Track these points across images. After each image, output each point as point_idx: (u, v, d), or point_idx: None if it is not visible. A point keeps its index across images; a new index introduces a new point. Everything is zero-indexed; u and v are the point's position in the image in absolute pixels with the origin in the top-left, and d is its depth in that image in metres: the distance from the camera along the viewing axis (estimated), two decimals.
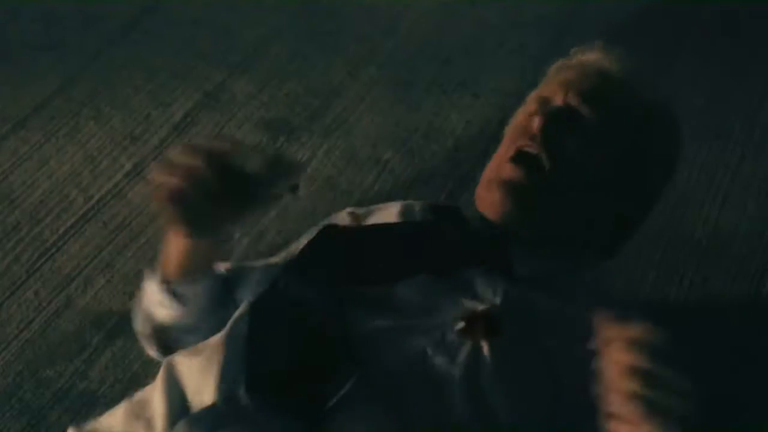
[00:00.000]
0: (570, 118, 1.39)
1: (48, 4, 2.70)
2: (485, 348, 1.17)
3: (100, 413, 1.68)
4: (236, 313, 1.30)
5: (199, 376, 1.17)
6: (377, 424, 1.10)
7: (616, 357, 0.96)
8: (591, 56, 1.55)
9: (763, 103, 2.31)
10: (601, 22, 2.57)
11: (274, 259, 1.57)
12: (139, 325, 1.53)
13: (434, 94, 2.39)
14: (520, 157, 1.36)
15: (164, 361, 1.26)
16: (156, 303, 1.46)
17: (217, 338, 1.26)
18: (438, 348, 1.17)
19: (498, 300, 1.25)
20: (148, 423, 1.15)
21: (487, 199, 1.39)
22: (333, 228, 1.42)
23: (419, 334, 1.19)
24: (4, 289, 1.92)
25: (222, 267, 1.55)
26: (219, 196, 1.21)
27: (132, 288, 1.89)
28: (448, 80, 2.43)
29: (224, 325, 1.41)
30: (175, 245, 1.38)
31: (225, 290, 1.48)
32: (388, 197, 2.08)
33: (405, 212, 1.50)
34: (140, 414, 1.17)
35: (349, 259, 1.32)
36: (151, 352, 1.56)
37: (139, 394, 1.24)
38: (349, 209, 1.57)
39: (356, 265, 1.30)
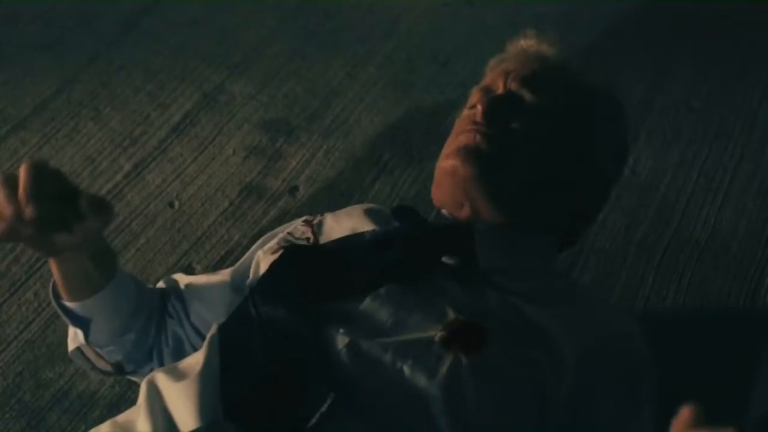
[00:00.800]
0: (512, 103, 1.38)
1: (47, 5, 2.70)
2: (466, 361, 1.13)
3: (99, 415, 1.70)
4: (209, 335, 1.30)
5: (179, 398, 1.16)
6: None
7: None
8: (527, 43, 1.54)
9: (762, 103, 2.32)
10: (599, 22, 2.57)
11: (220, 275, 1.58)
12: (70, 352, 1.54)
13: (433, 94, 2.39)
14: (464, 149, 1.35)
15: (145, 379, 1.25)
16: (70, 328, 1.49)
17: (194, 358, 1.26)
18: (416, 364, 1.13)
19: (476, 307, 1.22)
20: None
21: (441, 191, 1.39)
22: (295, 247, 1.41)
23: (394, 350, 1.15)
24: (3, 290, 1.92)
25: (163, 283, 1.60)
26: (38, 222, 1.21)
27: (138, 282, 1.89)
28: (447, 81, 2.43)
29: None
30: (53, 269, 1.39)
31: (139, 289, 1.51)
32: (388, 197, 2.09)
33: (363, 218, 1.48)
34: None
35: (313, 277, 1.29)
36: (99, 373, 1.59)
37: (123, 416, 1.23)
38: (303, 218, 1.55)
39: (321, 282, 1.28)
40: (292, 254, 1.34)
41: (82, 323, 1.45)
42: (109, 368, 1.55)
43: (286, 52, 2.55)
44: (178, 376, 1.21)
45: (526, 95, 1.39)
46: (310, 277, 1.28)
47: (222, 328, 1.23)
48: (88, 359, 1.54)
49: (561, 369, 1.16)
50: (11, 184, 1.20)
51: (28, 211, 1.18)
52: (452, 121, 2.20)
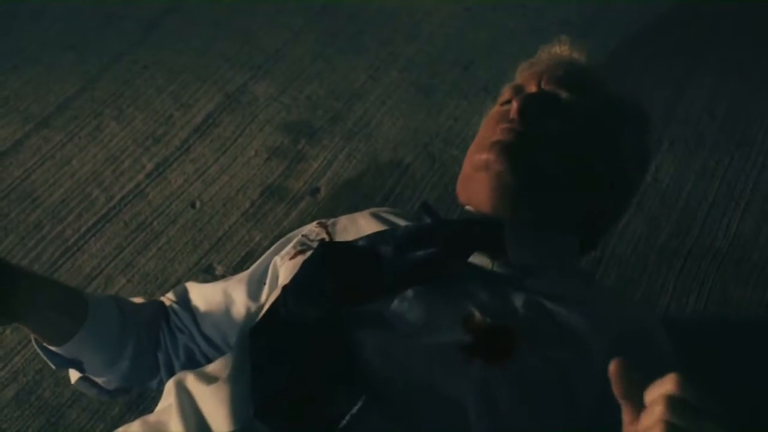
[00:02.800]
0: (546, 101, 1.41)
1: (71, 5, 2.72)
2: (494, 365, 1.14)
3: (118, 413, 1.71)
4: (236, 339, 1.30)
5: (210, 401, 1.16)
6: None
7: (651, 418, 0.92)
8: (560, 49, 1.57)
9: None
10: (621, 28, 2.57)
11: (234, 281, 1.58)
12: (74, 383, 1.56)
13: (455, 98, 2.39)
14: (499, 144, 1.36)
15: (173, 380, 1.25)
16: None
17: (222, 362, 1.26)
18: (446, 366, 1.14)
19: (503, 309, 1.23)
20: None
21: (470, 186, 1.40)
22: (327, 245, 1.39)
23: (424, 353, 1.16)
24: None
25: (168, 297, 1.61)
26: None
27: (152, 288, 1.90)
28: (469, 85, 2.43)
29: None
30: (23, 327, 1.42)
31: (122, 310, 1.51)
32: (409, 201, 2.09)
33: (376, 220, 1.49)
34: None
35: (345, 276, 1.29)
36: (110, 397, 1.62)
37: (154, 416, 1.23)
38: (317, 221, 1.55)
39: (353, 281, 1.28)
40: (324, 252, 1.33)
41: (73, 364, 1.47)
42: (113, 394, 1.57)
43: (309, 54, 2.55)
44: (208, 379, 1.21)
45: (561, 94, 1.42)
46: (342, 276, 1.28)
47: (254, 331, 1.23)
48: (95, 385, 1.55)
49: (590, 369, 1.16)
50: None
51: None
52: (474, 125, 2.21)
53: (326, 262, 1.31)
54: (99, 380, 1.53)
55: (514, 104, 1.38)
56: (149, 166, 2.21)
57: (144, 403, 1.73)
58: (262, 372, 1.16)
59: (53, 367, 1.46)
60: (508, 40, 2.56)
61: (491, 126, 1.42)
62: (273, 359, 1.18)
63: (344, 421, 1.07)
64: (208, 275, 1.94)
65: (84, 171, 2.19)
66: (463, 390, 1.12)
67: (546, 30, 2.57)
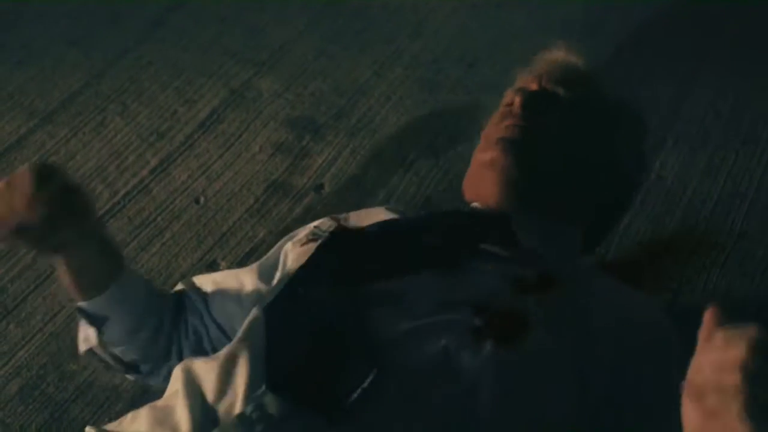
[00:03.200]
0: (547, 97, 1.49)
1: (76, 1, 2.72)
2: (505, 348, 1.16)
3: (122, 408, 1.71)
4: (249, 318, 1.31)
5: (219, 382, 1.17)
6: (404, 421, 1.10)
7: (720, 353, 0.92)
8: (557, 52, 1.63)
9: None
10: (626, 26, 2.56)
11: (246, 269, 1.60)
12: (82, 353, 1.57)
13: (459, 95, 2.39)
14: (503, 140, 1.44)
15: (180, 366, 1.26)
16: (82, 325, 1.51)
17: (232, 345, 1.26)
18: (460, 344, 1.16)
19: (515, 293, 1.25)
20: (174, 430, 1.14)
21: (477, 183, 1.48)
22: (340, 230, 1.45)
23: (438, 331, 1.17)
24: (29, 282, 1.93)
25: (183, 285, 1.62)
26: (46, 217, 1.26)
27: (156, 283, 1.90)
28: (473, 82, 2.43)
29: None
30: (60, 270, 1.42)
31: (149, 289, 1.55)
32: (413, 198, 2.09)
33: (386, 215, 1.53)
34: (164, 421, 1.17)
35: (357, 258, 1.34)
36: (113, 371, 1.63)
37: (161, 401, 1.24)
38: (330, 216, 1.58)
39: (365, 263, 1.32)
40: (337, 236, 1.39)
41: (97, 322, 1.48)
42: (122, 368, 1.57)
43: (314, 50, 2.55)
44: (215, 362, 1.22)
45: (560, 91, 1.49)
46: (355, 258, 1.33)
47: (268, 308, 1.25)
48: (101, 358, 1.56)
49: (601, 355, 1.18)
50: (14, 186, 1.25)
51: (35, 207, 1.23)
52: (478, 122, 2.20)
53: (339, 244, 1.37)
54: (115, 351, 1.53)
55: (517, 100, 1.46)
56: (153, 162, 2.21)
57: (148, 398, 1.72)
58: (277, 346, 1.18)
59: (84, 320, 1.48)
60: (513, 38, 2.56)
61: (495, 124, 1.49)
62: (287, 334, 1.20)
63: (355, 395, 1.08)
64: (212, 271, 1.94)
65: (88, 166, 2.19)
66: (473, 370, 1.13)
67: (551, 28, 2.57)
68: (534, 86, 1.52)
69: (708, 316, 0.93)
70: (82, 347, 1.54)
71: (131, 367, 1.57)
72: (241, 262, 1.96)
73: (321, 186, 2.14)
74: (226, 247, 2.01)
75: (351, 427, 1.07)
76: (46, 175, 1.27)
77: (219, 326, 1.56)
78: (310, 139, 2.26)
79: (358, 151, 2.22)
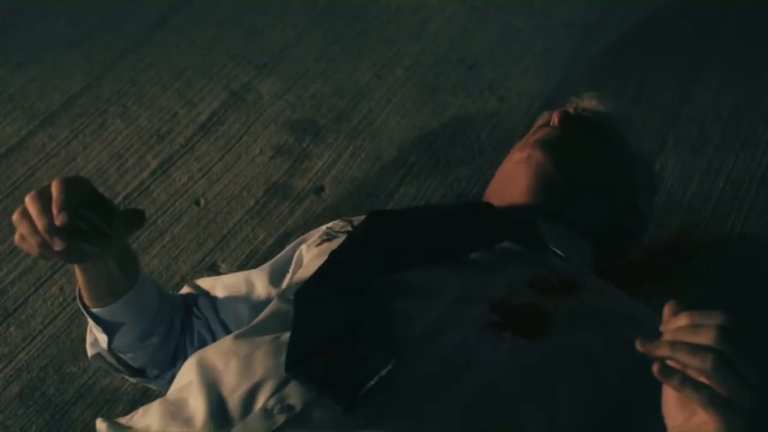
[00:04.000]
0: (581, 118, 1.64)
1: (76, 3, 2.72)
2: (524, 343, 1.18)
3: (123, 409, 1.71)
4: (269, 308, 1.32)
5: (236, 374, 1.16)
6: (418, 412, 1.10)
7: (688, 338, 0.95)
8: (588, 98, 1.78)
9: None
10: (627, 27, 2.57)
11: (256, 271, 1.61)
12: (90, 354, 1.57)
13: (460, 97, 2.39)
14: (541, 141, 1.55)
15: (193, 357, 1.26)
16: (93, 331, 1.51)
17: (249, 336, 1.26)
18: (479, 339, 1.18)
19: (536, 290, 1.28)
20: (188, 423, 1.13)
21: (507, 182, 1.57)
22: (378, 211, 1.47)
23: (457, 325, 1.19)
24: (29, 284, 1.93)
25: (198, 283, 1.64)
26: (72, 233, 1.25)
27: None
28: (474, 84, 2.43)
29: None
30: (78, 276, 1.42)
31: (160, 292, 1.55)
32: (413, 200, 2.09)
33: None
34: (177, 414, 1.16)
35: (389, 243, 1.36)
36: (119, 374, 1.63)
37: (172, 393, 1.24)
38: (342, 218, 1.61)
39: (396, 248, 1.35)
40: (375, 217, 1.42)
41: (112, 328, 1.47)
42: (129, 372, 1.57)
43: (314, 52, 2.55)
44: (230, 352, 1.22)
45: (590, 115, 1.66)
46: (388, 242, 1.36)
47: (299, 291, 1.26)
48: (109, 363, 1.55)
49: (616, 358, 1.20)
50: (44, 197, 1.24)
51: (61, 222, 1.21)
52: (479, 124, 2.21)
53: (377, 226, 1.40)
54: (124, 357, 1.53)
55: (555, 116, 1.60)
56: (154, 164, 2.21)
57: (149, 400, 1.73)
58: (300, 333, 1.18)
59: (97, 327, 1.47)
60: (513, 40, 2.56)
61: (532, 134, 1.63)
62: (312, 321, 1.20)
63: (372, 382, 1.09)
64: (212, 273, 1.94)
65: (88, 168, 2.20)
66: (491, 365, 1.15)
67: (552, 30, 2.58)
68: (570, 110, 1.65)
69: (667, 310, 1.01)
70: (90, 351, 1.55)
71: (138, 372, 1.57)
72: (242, 264, 1.96)
73: (321, 188, 2.14)
74: (227, 249, 2.01)
75: (366, 416, 1.07)
76: (78, 190, 1.26)
77: (226, 327, 1.57)
78: (311, 141, 2.26)
79: (358, 154, 2.23)
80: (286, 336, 1.19)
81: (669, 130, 2.26)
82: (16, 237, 1.28)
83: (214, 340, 1.55)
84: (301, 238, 1.61)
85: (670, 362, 0.96)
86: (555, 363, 1.18)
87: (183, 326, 1.57)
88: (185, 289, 1.64)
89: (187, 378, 1.23)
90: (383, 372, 1.10)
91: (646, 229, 1.80)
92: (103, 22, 2.66)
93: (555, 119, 1.60)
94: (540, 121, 1.70)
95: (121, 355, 1.53)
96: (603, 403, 1.18)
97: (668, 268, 1.94)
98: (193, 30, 2.64)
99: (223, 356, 1.21)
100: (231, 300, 1.58)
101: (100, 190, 2.07)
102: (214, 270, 1.95)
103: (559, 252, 1.41)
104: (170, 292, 1.63)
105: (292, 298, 1.27)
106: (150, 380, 1.60)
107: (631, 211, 1.66)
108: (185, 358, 1.53)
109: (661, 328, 1.01)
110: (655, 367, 0.95)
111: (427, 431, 1.08)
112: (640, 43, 2.53)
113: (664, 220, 2.03)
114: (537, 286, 1.29)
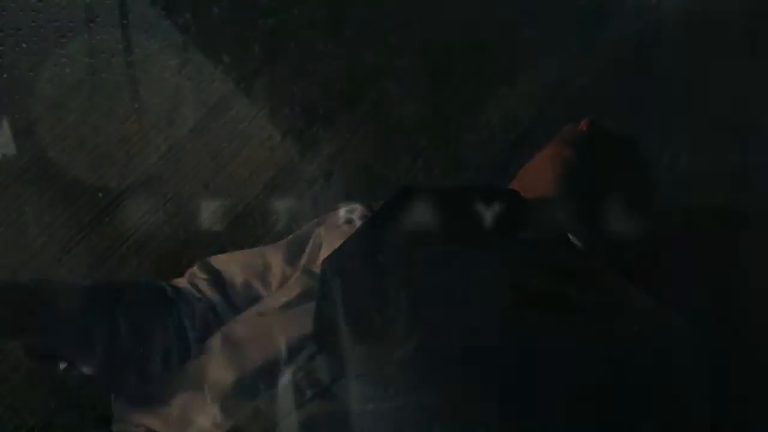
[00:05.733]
0: (608, 130, 1.65)
1: None
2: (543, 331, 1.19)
3: None
4: (292, 283, 1.34)
5: (262, 347, 1.18)
6: (441, 387, 1.10)
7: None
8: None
9: None
10: (638, 16, 2.56)
11: (272, 248, 1.62)
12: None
13: (470, 83, 2.38)
14: (570, 136, 1.59)
15: (219, 332, 1.28)
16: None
17: (274, 312, 1.28)
18: (499, 320, 1.19)
19: (560, 277, 1.30)
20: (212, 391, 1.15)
21: (532, 176, 1.57)
22: (411, 186, 1.48)
23: (479, 304, 1.21)
24: (35, 271, 1.94)
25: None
26: None
27: (165, 270, 1.90)
28: (484, 70, 2.42)
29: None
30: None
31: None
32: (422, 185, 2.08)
33: None
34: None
35: (419, 219, 1.37)
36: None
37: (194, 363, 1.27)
38: (362, 203, 1.61)
39: (427, 225, 1.36)
40: (408, 192, 1.43)
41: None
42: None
43: (324, 36, 2.54)
44: (254, 324, 1.23)
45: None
46: (418, 218, 1.37)
47: (326, 262, 1.27)
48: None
49: (628, 348, 1.20)
50: None
51: None
52: (490, 109, 2.20)
53: (409, 201, 1.40)
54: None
55: (584, 121, 1.62)
56: (163, 148, 2.21)
57: None
58: (327, 301, 1.20)
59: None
60: (524, 25, 2.55)
61: (560, 136, 1.63)
62: (339, 290, 1.21)
63: (397, 356, 1.10)
64: None
65: (97, 152, 2.19)
66: (512, 345, 1.15)
67: (564, 13, 2.56)
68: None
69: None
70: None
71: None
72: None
73: (330, 173, 2.13)
74: (235, 233, 2.01)
75: (396, 390, 1.08)
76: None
77: (237, 310, 1.55)
78: (320, 126, 2.26)
79: (368, 139, 2.22)
80: (311, 308, 1.20)
81: (669, 130, 2.25)
82: None
83: (221, 322, 1.54)
84: (318, 219, 1.62)
85: None
86: (575, 347, 1.18)
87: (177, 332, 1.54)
88: (194, 268, 1.63)
89: (212, 353, 1.24)
90: (409, 348, 1.10)
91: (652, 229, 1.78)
92: (112, 2, 2.65)
93: (584, 122, 1.62)
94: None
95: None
96: (612, 392, 1.17)
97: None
98: (202, 12, 2.63)
99: (248, 330, 1.22)
100: (245, 277, 1.56)
101: (108, 174, 2.10)
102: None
103: (578, 243, 1.42)
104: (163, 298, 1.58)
105: (317, 271, 1.27)
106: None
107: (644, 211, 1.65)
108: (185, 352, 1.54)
109: None
110: None
111: (455, 404, 1.09)
112: (650, 29, 2.52)
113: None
114: (557, 275, 1.30)
